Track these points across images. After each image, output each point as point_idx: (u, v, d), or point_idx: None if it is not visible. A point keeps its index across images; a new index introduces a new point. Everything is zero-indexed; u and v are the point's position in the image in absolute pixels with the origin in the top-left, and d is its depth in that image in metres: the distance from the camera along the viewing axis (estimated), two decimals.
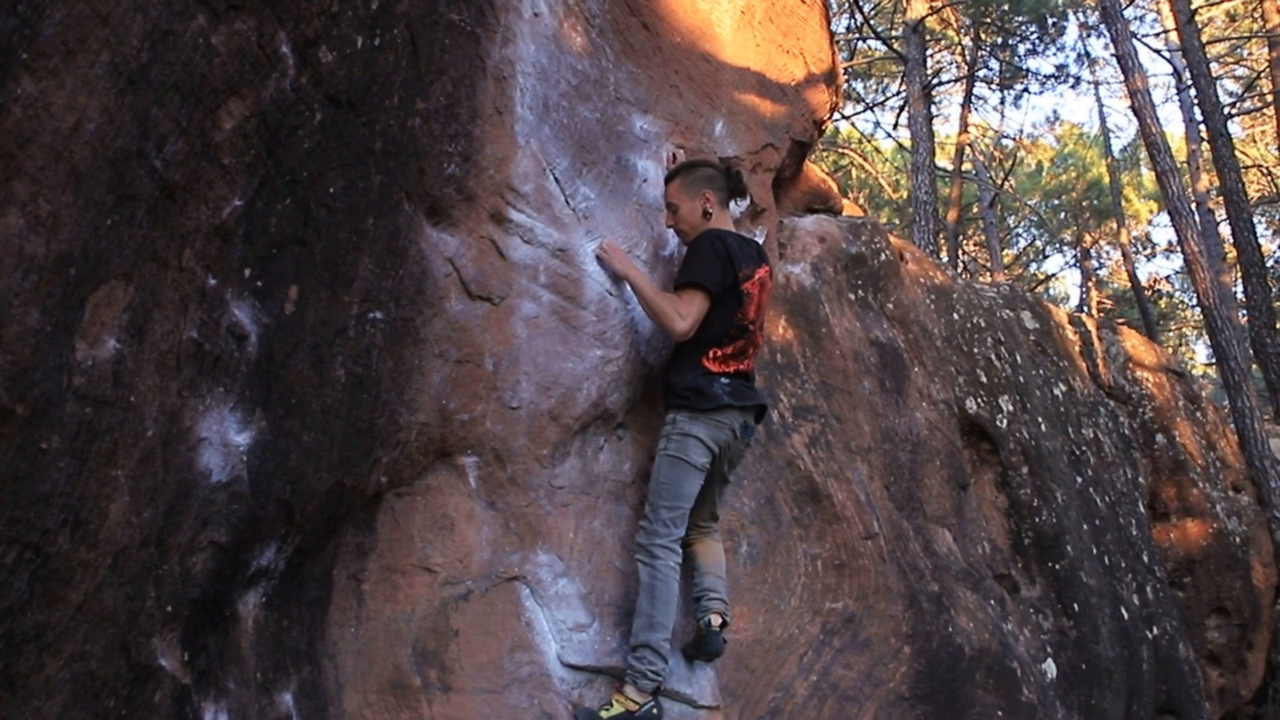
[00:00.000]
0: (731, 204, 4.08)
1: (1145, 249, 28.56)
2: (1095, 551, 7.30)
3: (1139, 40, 14.68)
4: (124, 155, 1.96)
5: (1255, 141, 22.97)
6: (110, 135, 1.92)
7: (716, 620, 3.74)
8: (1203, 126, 14.64)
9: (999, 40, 19.73)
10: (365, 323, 2.83)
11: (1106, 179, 24.00)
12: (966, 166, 21.45)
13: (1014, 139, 23.85)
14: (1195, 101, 15.17)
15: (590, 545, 3.64)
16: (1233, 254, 14.76)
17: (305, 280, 2.63)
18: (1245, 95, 20.09)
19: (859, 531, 4.76)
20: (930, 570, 5.17)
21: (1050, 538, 6.62)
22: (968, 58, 20.16)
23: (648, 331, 3.92)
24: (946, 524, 5.75)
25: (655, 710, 3.44)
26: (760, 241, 4.65)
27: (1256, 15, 18.54)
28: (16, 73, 1.73)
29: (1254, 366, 14.28)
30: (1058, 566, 6.59)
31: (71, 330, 1.89)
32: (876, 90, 23.11)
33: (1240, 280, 13.20)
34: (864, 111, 22.37)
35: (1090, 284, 27.35)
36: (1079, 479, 7.72)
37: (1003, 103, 22.47)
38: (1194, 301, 25.92)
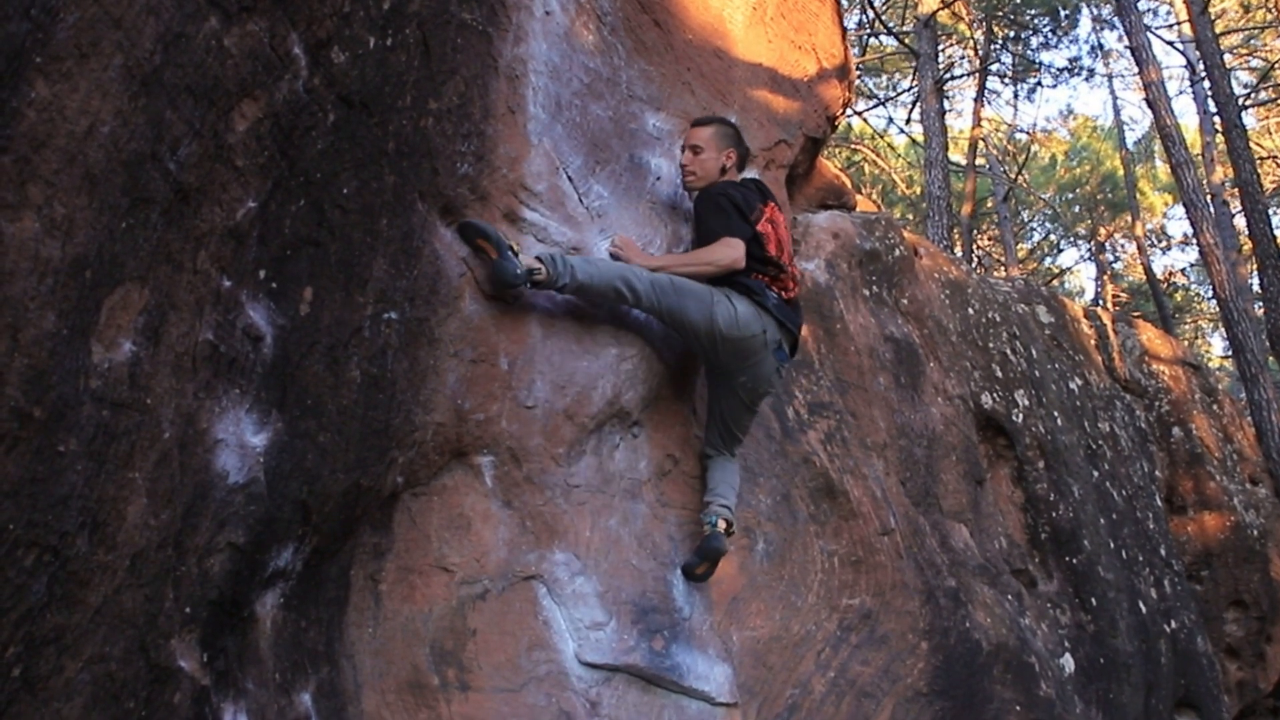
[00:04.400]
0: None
1: (1160, 242, 28.45)
2: (1112, 545, 7.27)
3: (1152, 33, 14.59)
4: (138, 158, 1.96)
5: (1270, 133, 22.84)
6: (124, 138, 1.92)
7: (722, 525, 3.84)
8: (1217, 118, 14.54)
9: (1011, 34, 19.68)
10: (380, 323, 2.82)
11: (1121, 172, 23.93)
12: (980, 161, 21.37)
13: (1027, 133, 23.73)
14: (1209, 93, 15.10)
15: (607, 543, 3.63)
16: (1248, 246, 14.67)
17: (320, 281, 2.63)
18: (1260, 86, 19.96)
19: (875, 528, 4.74)
20: (947, 566, 5.15)
21: (1067, 532, 6.59)
22: (980, 52, 20.09)
23: (662, 330, 3.92)
24: (963, 519, 5.72)
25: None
26: (755, 176, 4.60)
27: (1270, 6, 18.44)
28: (30, 76, 1.73)
29: (1270, 359, 14.21)
30: (1075, 561, 6.56)
31: (88, 333, 1.89)
32: (889, 86, 23.07)
33: (1256, 272, 13.10)
34: (876, 107, 22.34)
35: (1105, 277, 27.23)
36: (1095, 473, 7.68)
37: (1016, 96, 22.33)
38: (1210, 294, 25.79)
